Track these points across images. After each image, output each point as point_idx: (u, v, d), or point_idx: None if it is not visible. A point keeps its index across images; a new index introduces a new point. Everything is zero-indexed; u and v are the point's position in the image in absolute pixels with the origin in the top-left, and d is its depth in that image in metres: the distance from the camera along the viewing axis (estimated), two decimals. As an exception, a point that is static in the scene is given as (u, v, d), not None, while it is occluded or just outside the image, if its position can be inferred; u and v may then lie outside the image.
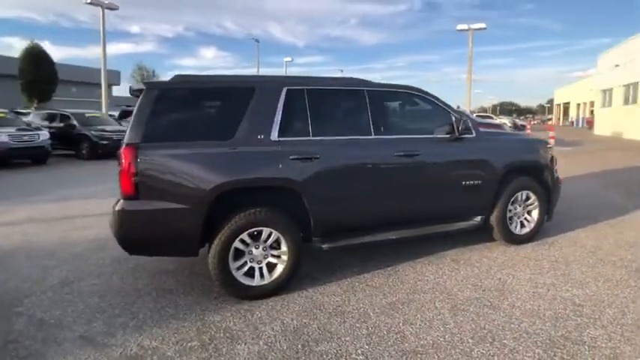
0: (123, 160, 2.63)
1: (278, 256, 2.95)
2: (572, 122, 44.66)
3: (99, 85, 21.77)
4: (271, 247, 2.93)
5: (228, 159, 2.82)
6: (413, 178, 3.40)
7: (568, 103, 49.36)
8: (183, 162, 2.73)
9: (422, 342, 2.33)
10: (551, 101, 67.39)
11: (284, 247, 2.92)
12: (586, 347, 2.25)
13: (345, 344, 2.32)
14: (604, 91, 26.63)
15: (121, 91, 41.80)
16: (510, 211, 3.86)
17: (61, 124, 12.65)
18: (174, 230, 2.75)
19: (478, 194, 3.67)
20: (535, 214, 4.00)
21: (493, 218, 3.80)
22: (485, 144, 3.75)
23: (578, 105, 43.64)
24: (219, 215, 2.77)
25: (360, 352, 2.24)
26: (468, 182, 3.59)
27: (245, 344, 2.34)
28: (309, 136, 3.06)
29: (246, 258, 2.88)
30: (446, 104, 3.67)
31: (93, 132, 12.24)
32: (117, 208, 2.66)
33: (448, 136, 3.57)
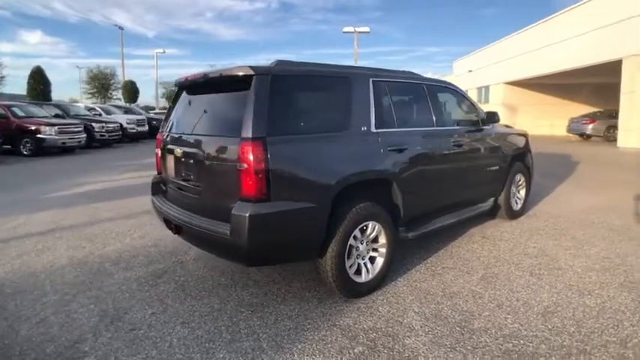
0: (248, 157, 2.29)
1: (376, 250, 2.97)
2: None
3: None
4: (372, 241, 2.93)
5: (347, 152, 2.72)
6: (461, 165, 3.81)
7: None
8: (309, 156, 2.53)
9: (521, 298, 2.71)
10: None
11: (382, 240, 2.96)
12: (630, 267, 2.98)
13: (485, 320, 2.54)
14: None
15: None
16: (511, 191, 4.62)
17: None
18: (302, 232, 2.52)
19: (497, 178, 4.30)
20: (523, 192, 4.87)
21: (501, 199, 4.48)
22: (498, 135, 4.38)
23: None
24: (338, 212, 2.64)
25: (507, 321, 2.50)
26: (491, 168, 4.19)
27: (409, 337, 2.35)
28: (395, 127, 3.14)
29: (354, 254, 2.81)
30: (471, 99, 4.18)
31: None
32: (246, 214, 2.28)
33: (474, 127, 4.08)
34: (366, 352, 2.22)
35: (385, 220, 2.93)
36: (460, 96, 4.10)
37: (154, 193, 3.37)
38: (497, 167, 4.26)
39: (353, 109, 2.84)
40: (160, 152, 3.28)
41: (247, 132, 2.31)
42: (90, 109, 16.93)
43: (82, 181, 7.86)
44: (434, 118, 3.53)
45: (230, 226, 2.32)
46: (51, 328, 2.48)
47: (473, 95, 28.96)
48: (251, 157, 2.27)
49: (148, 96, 66.96)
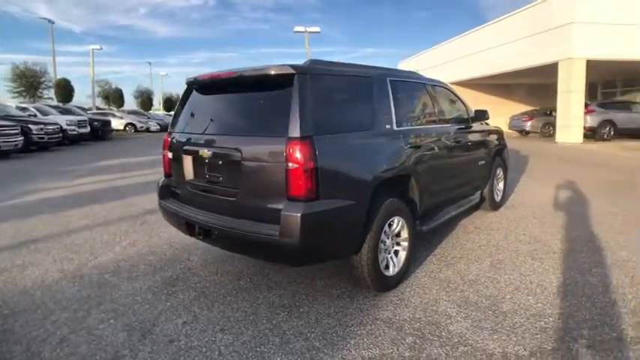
0: (298, 156, 2.27)
1: (399, 244, 3.08)
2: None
3: None
4: (396, 235, 3.04)
5: (378, 149, 2.80)
6: (460, 160, 4.06)
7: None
8: (350, 154, 2.56)
9: (534, 281, 2.99)
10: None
11: (405, 234, 3.08)
12: (612, 248, 3.39)
13: (510, 303, 2.76)
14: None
15: None
16: (494, 184, 4.99)
17: None
18: (346, 229, 2.54)
19: (484, 172, 4.63)
20: (501, 185, 5.28)
21: (486, 191, 4.83)
22: (484, 132, 4.71)
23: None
24: (373, 208, 2.70)
25: (530, 302, 2.73)
26: (480, 162, 4.50)
27: (451, 324, 2.48)
28: (409, 125, 3.27)
29: (382, 249, 2.90)
30: (461, 97, 4.45)
31: None
32: (298, 213, 2.25)
33: (466, 125, 4.35)
34: (418, 341, 2.31)
35: (407, 215, 3.05)
36: (453, 94, 4.35)
37: (162, 197, 3.18)
38: (484, 162, 4.59)
39: (379, 108, 2.93)
40: (170, 154, 3.11)
41: (295, 131, 2.30)
42: (22, 109, 15.30)
43: (33, 188, 7.13)
44: (438, 117, 3.73)
45: (280, 226, 2.28)
46: (78, 348, 2.27)
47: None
48: (301, 156, 2.26)
49: (81, 95, 61.96)
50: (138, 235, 4.36)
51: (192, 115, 3.06)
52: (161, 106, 50.15)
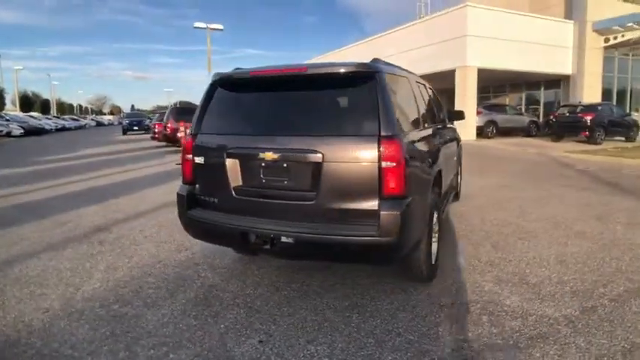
0: (394, 154, 2.27)
1: (435, 235, 3.30)
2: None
3: None
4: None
5: (429, 146, 2.95)
6: (451, 156, 4.48)
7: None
8: (417, 151, 2.65)
9: (536, 256, 3.56)
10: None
11: (436, 227, 3.30)
12: (572, 222, 4.21)
13: (534, 276, 3.22)
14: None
15: None
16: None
17: None
18: (420, 224, 2.61)
19: (457, 165, 5.18)
20: (458, 178, 5.96)
21: (457, 183, 5.42)
22: (453, 129, 5.25)
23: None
24: (431, 203, 2.85)
25: (548, 272, 3.22)
26: (455, 157, 5.02)
27: (504, 299, 2.78)
28: (429, 125, 3.52)
29: (433, 240, 3.08)
30: (439, 99, 4.91)
31: None
32: (398, 211, 2.25)
33: (446, 124, 4.82)
34: (493, 318, 2.55)
35: (438, 207, 3.29)
36: (434, 94, 4.77)
37: (190, 208, 2.80)
38: (456, 156, 5.15)
39: (419, 108, 3.10)
40: (200, 159, 2.75)
41: (386, 129, 2.32)
42: None
43: None
44: (437, 115, 4.08)
45: (379, 225, 2.27)
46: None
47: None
48: (395, 154, 2.29)
49: None
50: (109, 257, 3.71)
51: (229, 114, 2.77)
52: (17, 107, 41.84)
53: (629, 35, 17.17)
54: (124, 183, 7.86)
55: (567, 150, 12.11)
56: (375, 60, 2.64)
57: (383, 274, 3.19)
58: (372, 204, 2.33)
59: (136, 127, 28.76)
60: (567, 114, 15.04)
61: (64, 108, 72.02)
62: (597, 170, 8.65)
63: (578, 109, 14.73)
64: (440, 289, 2.97)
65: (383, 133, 2.31)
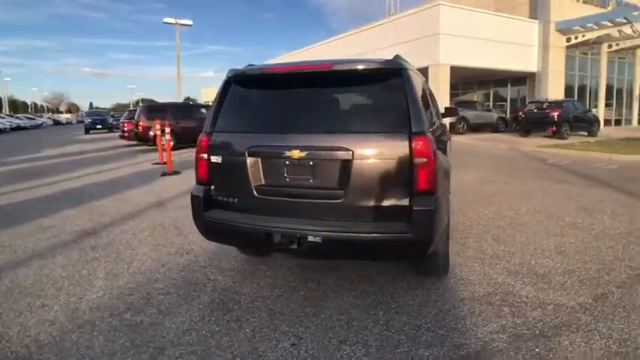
0: (426, 150, 2.29)
1: (445, 229, 3.37)
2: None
3: None
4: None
5: (444, 141, 2.96)
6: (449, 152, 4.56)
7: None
8: (439, 146, 2.65)
9: (537, 247, 3.71)
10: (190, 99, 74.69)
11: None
12: (561, 212, 4.42)
13: (541, 266, 3.34)
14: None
15: None
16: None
17: None
18: (445, 219, 2.65)
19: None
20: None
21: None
22: (445, 125, 5.35)
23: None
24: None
25: (553, 262, 3.35)
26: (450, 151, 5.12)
27: (519, 290, 2.87)
28: (437, 120, 3.57)
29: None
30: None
31: None
32: (432, 207, 2.28)
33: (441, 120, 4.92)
34: (514, 310, 2.62)
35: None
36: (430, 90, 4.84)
37: (207, 209, 2.69)
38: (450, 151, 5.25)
39: (430, 104, 3.13)
40: (217, 158, 2.65)
41: (417, 126, 2.33)
42: None
43: None
44: (438, 111, 4.14)
45: (412, 221, 2.27)
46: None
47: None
48: (427, 150, 2.30)
49: None
50: (106, 264, 3.52)
51: (248, 112, 2.68)
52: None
53: (589, 35, 18.22)
54: (102, 184, 7.49)
55: (538, 145, 12.68)
56: (397, 57, 2.63)
57: (395, 270, 3.21)
58: (402, 200, 2.33)
59: (99, 126, 27.61)
60: (535, 110, 15.75)
61: (17, 106, 67.88)
62: (570, 164, 9.11)
63: (545, 106, 15.45)
64: (455, 283, 3.03)
65: (414, 130, 2.32)
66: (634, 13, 16.44)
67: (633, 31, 17.44)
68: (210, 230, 2.73)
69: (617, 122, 22.50)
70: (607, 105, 21.64)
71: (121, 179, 8.04)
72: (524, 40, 18.60)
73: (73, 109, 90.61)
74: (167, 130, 9.01)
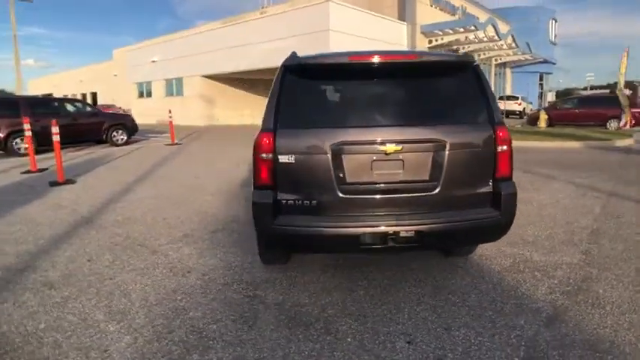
0: (507, 139, 2.51)
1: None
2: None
3: None
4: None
5: None
6: None
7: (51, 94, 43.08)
8: None
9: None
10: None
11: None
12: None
13: (534, 237, 3.97)
14: (140, 83, 30.96)
15: None
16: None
17: None
18: None
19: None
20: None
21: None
22: None
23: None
24: None
25: (560, 235, 4.02)
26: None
27: (534, 273, 3.38)
28: None
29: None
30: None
31: None
32: (514, 191, 2.54)
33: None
34: (540, 274, 3.09)
35: None
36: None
37: (276, 215, 2.37)
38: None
39: None
40: (289, 157, 2.36)
41: (497, 116, 2.54)
42: None
43: None
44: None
45: (502, 206, 2.47)
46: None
47: (161, 87, 28.71)
48: (507, 138, 2.53)
49: None
50: (92, 302, 2.78)
51: (319, 105, 2.46)
52: None
53: (447, 39, 21.69)
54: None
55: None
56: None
57: (421, 257, 3.38)
58: (487, 187, 2.53)
59: None
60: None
61: None
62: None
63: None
64: (479, 259, 3.37)
65: (496, 120, 2.53)
66: (480, 21, 20.28)
67: (479, 38, 21.50)
68: (284, 240, 2.44)
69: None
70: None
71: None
72: (396, 39, 21.01)
73: None
74: (27, 127, 7.47)
